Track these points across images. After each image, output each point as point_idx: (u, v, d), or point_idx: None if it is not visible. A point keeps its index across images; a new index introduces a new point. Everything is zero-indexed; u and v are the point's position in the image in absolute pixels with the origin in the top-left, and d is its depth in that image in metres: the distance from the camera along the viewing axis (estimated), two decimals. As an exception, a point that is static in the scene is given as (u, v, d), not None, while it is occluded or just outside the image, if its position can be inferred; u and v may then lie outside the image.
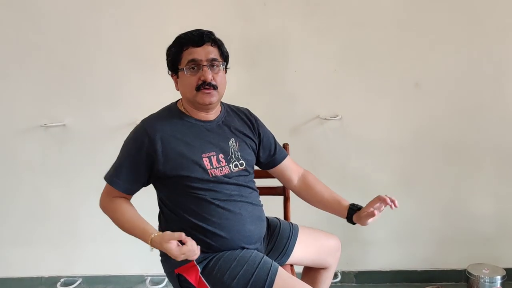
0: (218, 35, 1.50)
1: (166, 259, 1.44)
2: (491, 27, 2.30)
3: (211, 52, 1.45)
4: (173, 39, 1.48)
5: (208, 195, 1.43)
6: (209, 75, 1.42)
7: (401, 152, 2.43)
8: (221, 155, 1.48)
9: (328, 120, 2.38)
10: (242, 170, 1.52)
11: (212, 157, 1.46)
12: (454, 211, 2.47)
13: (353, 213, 1.52)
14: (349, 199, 1.58)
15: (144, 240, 1.35)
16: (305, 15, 2.33)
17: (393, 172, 2.45)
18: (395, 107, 2.40)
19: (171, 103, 1.57)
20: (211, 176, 1.43)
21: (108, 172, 1.48)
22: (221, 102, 1.59)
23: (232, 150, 1.51)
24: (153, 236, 1.32)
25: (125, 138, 1.49)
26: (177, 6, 2.34)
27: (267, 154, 1.66)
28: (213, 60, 1.45)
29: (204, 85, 1.42)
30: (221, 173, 1.46)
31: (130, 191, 1.47)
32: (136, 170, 1.44)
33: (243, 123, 1.61)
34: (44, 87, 2.42)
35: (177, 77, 1.50)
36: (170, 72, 1.53)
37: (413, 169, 2.45)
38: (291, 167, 1.70)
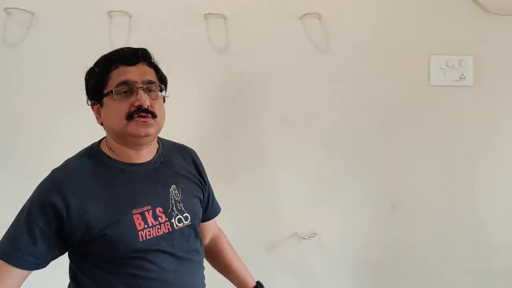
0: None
1: None
2: (461, 152, 2.32)
3: (148, 73, 1.17)
4: (96, 60, 1.20)
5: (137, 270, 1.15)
6: (146, 100, 1.13)
7: (375, 273, 2.37)
8: (159, 209, 1.18)
9: (306, 239, 2.31)
10: (187, 226, 1.22)
11: (146, 212, 1.15)
12: None
13: None
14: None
15: None
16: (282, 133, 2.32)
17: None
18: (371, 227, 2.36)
19: (92, 144, 1.24)
20: (141, 240, 1.13)
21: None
22: (159, 137, 1.30)
23: (173, 201, 1.21)
24: None
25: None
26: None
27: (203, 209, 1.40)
28: (150, 82, 1.17)
29: (139, 112, 1.12)
30: (158, 233, 1.15)
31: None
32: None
33: (188, 164, 1.33)
34: None
35: (101, 106, 1.18)
36: (90, 101, 1.21)
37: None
38: (213, 225, 1.50)
